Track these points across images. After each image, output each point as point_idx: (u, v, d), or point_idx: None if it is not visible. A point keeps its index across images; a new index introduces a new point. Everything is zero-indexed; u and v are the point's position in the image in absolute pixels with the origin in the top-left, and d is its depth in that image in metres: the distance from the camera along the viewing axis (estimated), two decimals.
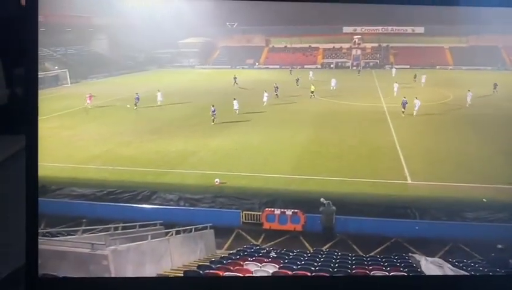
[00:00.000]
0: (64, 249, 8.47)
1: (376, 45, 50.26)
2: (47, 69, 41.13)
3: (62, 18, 48.53)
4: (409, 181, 15.08)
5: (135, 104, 26.83)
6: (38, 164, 16.85)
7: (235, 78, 35.06)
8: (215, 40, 57.90)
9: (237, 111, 24.04)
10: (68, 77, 39.48)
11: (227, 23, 55.88)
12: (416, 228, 12.32)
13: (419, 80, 33.72)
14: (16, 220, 7.50)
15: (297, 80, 34.30)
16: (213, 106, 22.30)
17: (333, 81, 31.78)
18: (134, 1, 41.77)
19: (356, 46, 50.37)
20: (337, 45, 51.51)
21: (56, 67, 41.22)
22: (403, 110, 22.41)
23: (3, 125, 9.81)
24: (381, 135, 19.81)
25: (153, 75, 47.41)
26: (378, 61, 47.75)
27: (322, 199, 12.19)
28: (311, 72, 38.67)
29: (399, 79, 35.69)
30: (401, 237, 11.85)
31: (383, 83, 35.86)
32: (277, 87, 28.36)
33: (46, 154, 17.75)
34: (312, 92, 28.91)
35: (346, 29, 51.52)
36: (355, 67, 48.82)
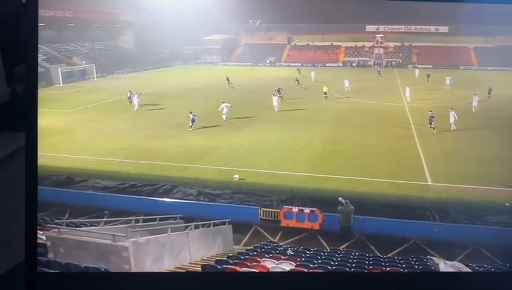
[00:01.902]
0: (86, 239, 8.56)
1: (399, 44, 49.34)
2: (74, 64, 42.00)
3: (91, 14, 49.56)
4: (429, 182, 14.71)
5: (130, 103, 25.83)
6: (65, 155, 17.18)
7: (227, 78, 34.42)
8: (238, 37, 58.00)
9: (224, 116, 22.15)
10: (95, 71, 40.20)
11: (250, 21, 55.87)
12: (436, 230, 12.00)
13: (438, 81, 32.58)
14: (17, 217, 7.48)
15: (298, 80, 33.58)
16: (191, 112, 21.00)
17: (346, 82, 30.71)
18: None
19: (378, 45, 49.58)
20: (360, 44, 50.82)
21: (83, 62, 42.01)
22: (430, 126, 19.96)
23: (4, 122, 9.86)
24: (402, 135, 19.41)
25: (176, 71, 47.71)
26: (400, 60, 46.91)
27: (340, 198, 12.00)
28: (313, 73, 37.33)
29: (420, 80, 34.99)
30: (419, 239, 11.57)
31: (405, 82, 35.27)
32: (280, 89, 27.12)
33: (73, 147, 18.22)
34: (325, 93, 28.17)
35: (369, 27, 50.78)
36: (377, 66, 48.06)
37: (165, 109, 25.78)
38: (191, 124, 20.90)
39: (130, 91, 27.32)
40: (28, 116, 7.19)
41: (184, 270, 9.22)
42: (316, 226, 12.00)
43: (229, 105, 22.57)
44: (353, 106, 26.85)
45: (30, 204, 7.33)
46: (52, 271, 7.89)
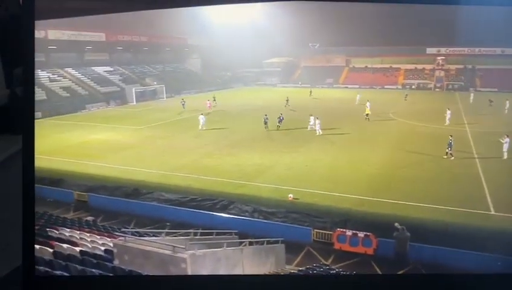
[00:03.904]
0: (149, 249, 8.84)
1: (461, 66, 46.89)
2: (147, 84, 44.68)
3: (163, 39, 52.70)
4: (492, 212, 13.55)
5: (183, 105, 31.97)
6: (135, 168, 18.02)
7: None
8: (298, 60, 58.45)
9: (317, 129, 23.97)
10: (164, 91, 42.41)
11: (310, 44, 56.18)
12: (499, 263, 10.95)
13: (500, 106, 30.13)
14: (15, 220, 7.39)
15: (287, 100, 33.26)
16: (266, 115, 25.36)
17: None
18: (225, 24, 43.82)
19: (439, 67, 47.41)
20: (420, 66, 49.03)
21: (155, 83, 44.62)
22: (447, 150, 18.57)
23: (3, 125, 9.81)
24: (463, 160, 18.21)
25: (238, 92, 48.88)
26: (462, 83, 44.46)
27: (396, 224, 11.41)
28: (358, 96, 36.42)
29: (477, 104, 32.74)
30: (479, 271, 10.62)
31: (465, 104, 33.41)
32: (281, 118, 25.68)
33: (142, 161, 19.14)
34: (367, 115, 27.65)
35: (430, 50, 48.88)
36: (438, 89, 45.97)
37: (225, 127, 26.40)
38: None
39: (183, 99, 32.21)
40: (25, 118, 7.20)
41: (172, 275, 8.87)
42: (370, 251, 11.46)
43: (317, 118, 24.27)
44: (404, 128, 25.91)
45: (27, 209, 7.26)
46: (50, 275, 7.67)
